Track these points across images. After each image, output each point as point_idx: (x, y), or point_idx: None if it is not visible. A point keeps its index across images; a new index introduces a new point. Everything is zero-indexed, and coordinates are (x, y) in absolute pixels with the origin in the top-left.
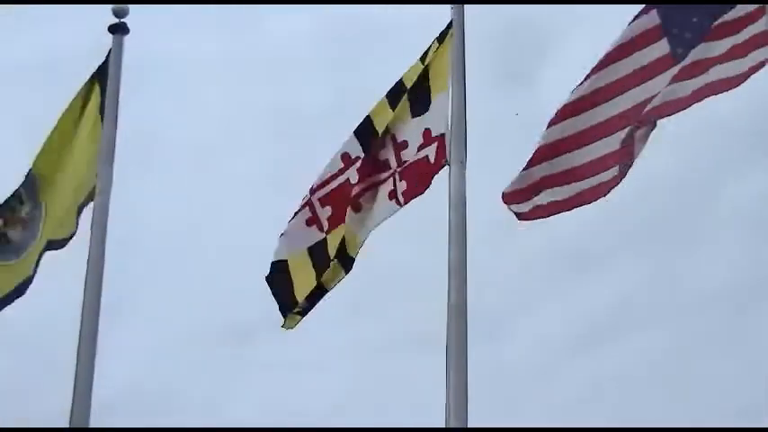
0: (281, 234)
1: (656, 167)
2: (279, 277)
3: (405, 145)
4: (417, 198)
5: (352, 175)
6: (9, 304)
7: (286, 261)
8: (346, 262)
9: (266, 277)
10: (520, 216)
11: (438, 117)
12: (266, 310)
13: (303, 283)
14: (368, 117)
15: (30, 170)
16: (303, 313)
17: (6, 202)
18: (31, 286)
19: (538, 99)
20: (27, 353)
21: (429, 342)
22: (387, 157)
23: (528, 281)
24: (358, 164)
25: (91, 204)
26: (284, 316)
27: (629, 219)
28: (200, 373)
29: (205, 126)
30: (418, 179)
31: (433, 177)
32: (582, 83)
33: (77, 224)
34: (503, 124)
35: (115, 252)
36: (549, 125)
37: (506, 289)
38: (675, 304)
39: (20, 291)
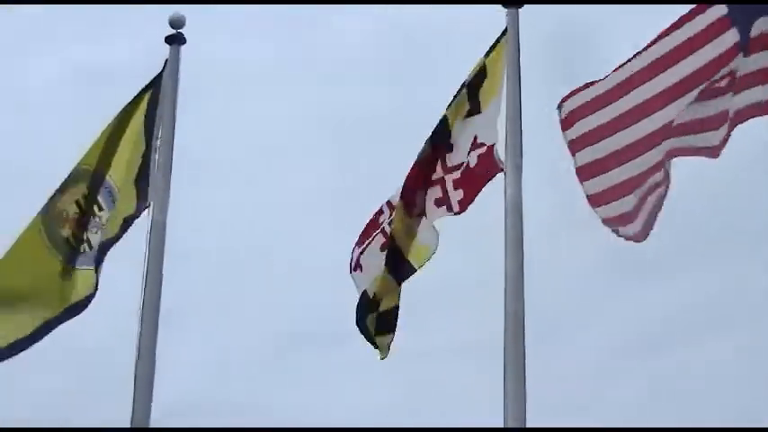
0: (361, 271)
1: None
2: (363, 308)
3: (450, 148)
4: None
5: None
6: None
7: (365, 291)
8: (405, 271)
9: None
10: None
11: (488, 126)
12: (321, 317)
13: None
14: (444, 117)
15: (104, 176)
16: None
17: (77, 204)
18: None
19: None
20: (87, 363)
21: (486, 349)
22: (436, 158)
23: (582, 286)
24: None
25: (148, 215)
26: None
27: (690, 224)
28: (255, 381)
29: (262, 133)
30: (470, 188)
31: (480, 187)
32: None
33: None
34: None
35: (172, 261)
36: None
37: (561, 293)
38: (743, 309)
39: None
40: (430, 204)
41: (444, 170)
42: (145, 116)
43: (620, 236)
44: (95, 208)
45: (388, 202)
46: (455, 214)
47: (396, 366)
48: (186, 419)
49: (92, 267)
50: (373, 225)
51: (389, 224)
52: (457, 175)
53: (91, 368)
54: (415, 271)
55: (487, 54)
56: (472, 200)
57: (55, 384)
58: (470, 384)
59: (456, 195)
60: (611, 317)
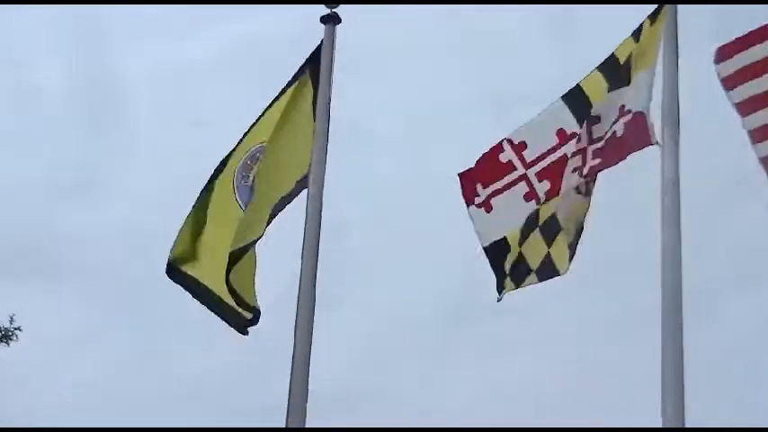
0: (488, 211)
1: None
2: (498, 254)
3: (597, 120)
4: (628, 179)
5: (570, 150)
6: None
7: (505, 238)
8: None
9: (488, 258)
10: None
11: (637, 94)
12: (478, 293)
13: (512, 250)
14: (579, 87)
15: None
16: (515, 283)
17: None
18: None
19: None
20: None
21: (645, 324)
22: (580, 132)
23: (738, 262)
24: (574, 140)
25: (304, 194)
26: (498, 288)
27: None
28: (414, 358)
29: (419, 111)
30: (608, 155)
31: (623, 156)
32: None
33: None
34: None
35: (327, 240)
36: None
37: (717, 270)
38: None
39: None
40: (568, 173)
41: (589, 141)
42: (311, 98)
43: None
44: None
45: (509, 141)
46: (582, 177)
47: (557, 342)
48: (346, 399)
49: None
50: (500, 166)
51: (544, 195)
52: (600, 144)
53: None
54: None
55: (639, 30)
56: (608, 167)
57: (213, 363)
58: (626, 356)
59: (592, 162)
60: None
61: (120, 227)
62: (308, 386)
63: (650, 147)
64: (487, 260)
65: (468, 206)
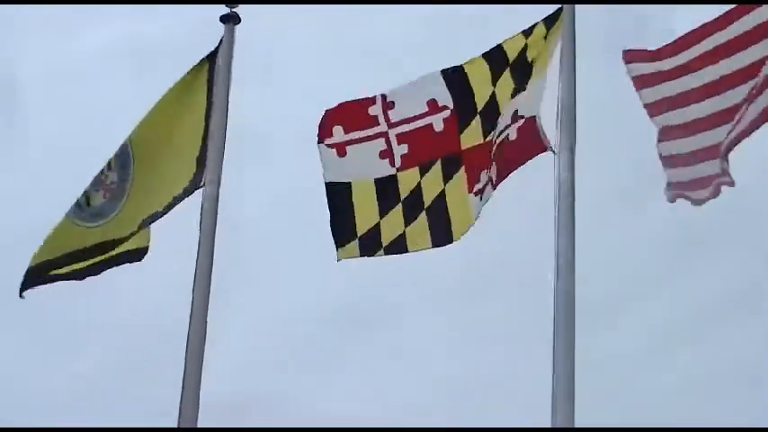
0: (340, 155)
1: None
2: (339, 199)
3: (496, 126)
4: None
5: (437, 122)
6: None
7: (349, 184)
8: (441, 236)
9: (328, 196)
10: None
11: (529, 100)
12: (374, 295)
13: (364, 213)
14: (461, 68)
15: (127, 141)
16: (362, 252)
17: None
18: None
19: None
20: (137, 344)
21: (535, 332)
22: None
23: (635, 268)
24: (446, 114)
25: (200, 194)
26: (339, 245)
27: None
28: (308, 360)
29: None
30: (506, 162)
31: (519, 164)
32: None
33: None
34: (612, 105)
35: (224, 240)
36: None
37: (612, 277)
38: None
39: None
40: (482, 177)
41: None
42: (206, 95)
43: (689, 200)
44: (105, 165)
45: (383, 97)
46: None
47: (452, 346)
48: (240, 401)
49: (86, 224)
50: (366, 117)
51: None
52: (493, 149)
53: (142, 347)
54: (452, 242)
55: (532, 29)
56: (507, 176)
57: (102, 365)
58: (520, 365)
59: (491, 172)
60: (661, 301)
61: (15, 226)
62: (199, 387)
63: (545, 153)
64: (329, 203)
65: (319, 142)
